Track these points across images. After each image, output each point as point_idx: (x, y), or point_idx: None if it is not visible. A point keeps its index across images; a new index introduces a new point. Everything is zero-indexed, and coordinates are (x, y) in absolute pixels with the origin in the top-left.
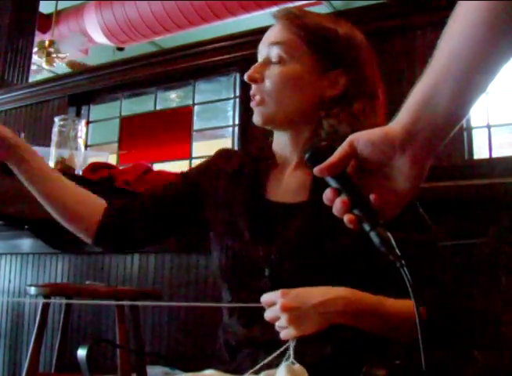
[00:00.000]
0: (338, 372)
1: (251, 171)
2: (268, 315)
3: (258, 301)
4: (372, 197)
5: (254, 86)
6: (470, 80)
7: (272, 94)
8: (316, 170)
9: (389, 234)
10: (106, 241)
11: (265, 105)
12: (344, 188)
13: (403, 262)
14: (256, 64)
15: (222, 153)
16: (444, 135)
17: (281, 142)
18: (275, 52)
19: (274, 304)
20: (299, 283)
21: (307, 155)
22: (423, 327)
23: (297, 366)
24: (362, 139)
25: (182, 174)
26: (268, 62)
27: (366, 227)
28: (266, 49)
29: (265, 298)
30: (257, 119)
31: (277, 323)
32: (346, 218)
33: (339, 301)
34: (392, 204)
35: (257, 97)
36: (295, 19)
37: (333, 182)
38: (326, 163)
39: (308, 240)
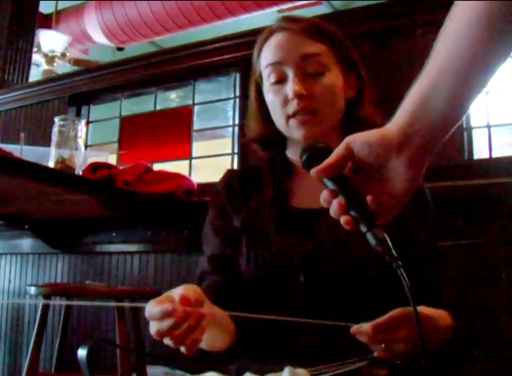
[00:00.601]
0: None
1: (272, 182)
2: (375, 339)
3: (292, 310)
4: (368, 198)
5: (299, 102)
6: (468, 80)
7: (324, 107)
8: (313, 171)
9: (385, 235)
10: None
11: (318, 120)
12: (340, 189)
13: (400, 263)
14: (296, 79)
15: (232, 174)
16: (441, 136)
17: (299, 150)
18: (311, 65)
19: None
20: (333, 287)
21: (304, 157)
22: (420, 328)
23: (300, 370)
24: (358, 140)
25: (214, 228)
26: (305, 75)
27: (363, 228)
28: (297, 61)
29: (393, 319)
30: (309, 135)
31: (383, 345)
32: (342, 219)
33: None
34: (389, 206)
35: (309, 114)
36: (316, 28)
37: (330, 184)
38: (322, 164)
39: (341, 243)
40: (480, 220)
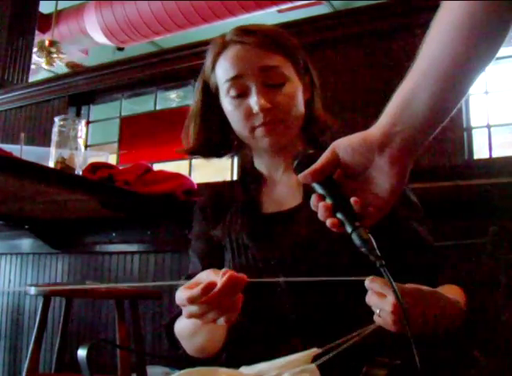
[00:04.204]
0: (338, 372)
1: (244, 194)
2: (372, 301)
3: (275, 316)
4: (352, 200)
5: (265, 115)
6: (450, 84)
7: (288, 116)
8: (300, 177)
9: (370, 236)
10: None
11: (284, 129)
12: (327, 193)
13: (383, 262)
14: (258, 92)
15: (207, 192)
16: (423, 138)
17: (265, 158)
18: (272, 76)
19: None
20: (313, 285)
21: (294, 163)
22: (410, 325)
23: (310, 366)
24: (342, 144)
25: (199, 237)
26: (265, 86)
27: (348, 229)
28: (257, 74)
29: (375, 285)
30: (275, 144)
31: (378, 311)
32: (328, 222)
33: (452, 315)
34: (376, 207)
35: (277, 125)
36: (271, 39)
37: (318, 188)
38: (309, 170)
39: (313, 241)
40: (480, 220)
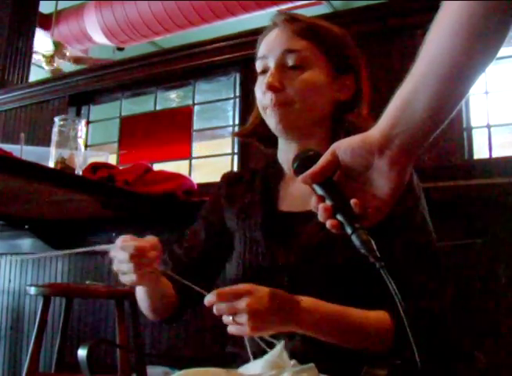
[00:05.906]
0: (338, 372)
1: (262, 186)
2: (223, 308)
3: None
4: (352, 201)
5: (274, 95)
6: (449, 86)
7: (298, 100)
8: (300, 178)
9: (370, 237)
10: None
11: (291, 112)
12: (327, 194)
13: (383, 264)
14: (272, 71)
15: (230, 176)
16: (423, 140)
17: (288, 152)
18: (291, 59)
19: (239, 295)
20: (317, 288)
21: (295, 164)
22: (412, 327)
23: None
24: (342, 146)
25: (203, 218)
26: (284, 69)
27: (348, 231)
28: (278, 55)
29: (235, 288)
30: (282, 125)
31: (229, 317)
32: (328, 223)
33: (303, 313)
34: (375, 209)
35: (282, 106)
36: (305, 26)
37: (318, 190)
38: (308, 171)
39: (323, 245)
40: (480, 220)
